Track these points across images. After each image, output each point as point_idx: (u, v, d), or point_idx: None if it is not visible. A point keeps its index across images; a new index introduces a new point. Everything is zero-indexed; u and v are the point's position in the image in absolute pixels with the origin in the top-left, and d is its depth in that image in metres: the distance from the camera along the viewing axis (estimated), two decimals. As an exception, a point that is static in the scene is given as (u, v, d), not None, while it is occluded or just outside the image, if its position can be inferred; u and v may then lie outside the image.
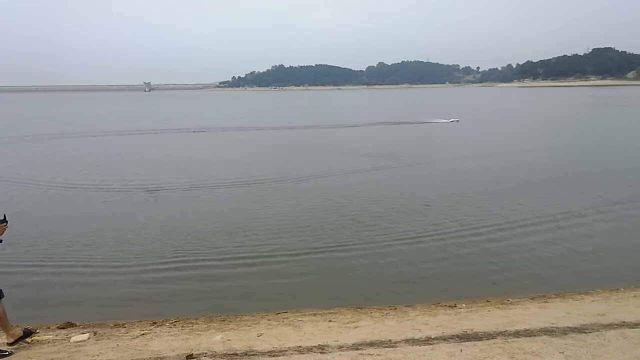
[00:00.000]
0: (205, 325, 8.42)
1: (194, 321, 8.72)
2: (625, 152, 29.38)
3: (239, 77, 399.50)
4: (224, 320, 8.66)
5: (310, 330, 7.82)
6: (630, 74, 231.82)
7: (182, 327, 8.48)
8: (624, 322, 7.49)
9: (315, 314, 8.82)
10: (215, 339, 7.50)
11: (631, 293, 9.38)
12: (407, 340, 7.05)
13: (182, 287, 10.73)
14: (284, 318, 8.61)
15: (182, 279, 11.09)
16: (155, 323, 8.78)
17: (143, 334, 8.07)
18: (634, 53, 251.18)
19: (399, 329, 7.68)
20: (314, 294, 10.17)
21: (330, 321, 8.30)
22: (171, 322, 8.78)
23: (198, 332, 8.03)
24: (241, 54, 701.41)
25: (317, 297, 9.91)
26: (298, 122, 56.56)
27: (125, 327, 8.56)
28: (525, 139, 37.66)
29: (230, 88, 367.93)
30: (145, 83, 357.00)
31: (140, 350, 7.12)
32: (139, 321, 8.95)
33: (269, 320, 8.55)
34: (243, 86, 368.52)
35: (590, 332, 7.04)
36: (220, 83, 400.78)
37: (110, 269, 11.73)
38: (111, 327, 8.56)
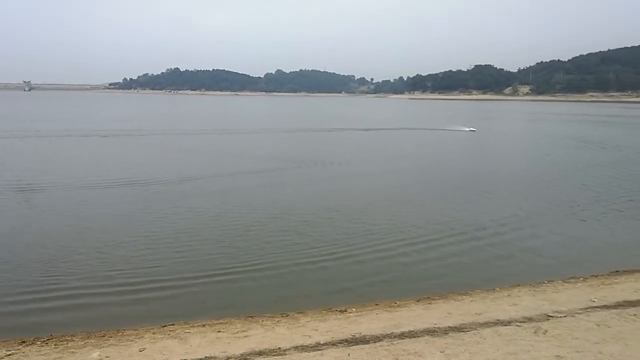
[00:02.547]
0: (82, 342, 7.78)
1: (69, 338, 8.01)
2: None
3: (130, 78, 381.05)
4: (103, 336, 8.05)
5: (197, 342, 7.50)
6: (507, 90, 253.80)
7: (56, 345, 7.78)
8: (498, 320, 8.01)
9: (204, 325, 8.49)
10: (91, 356, 6.97)
11: (505, 292, 10.08)
12: (296, 347, 7.00)
13: (54, 304, 9.73)
14: (170, 331, 8.18)
15: (53, 296, 10.02)
16: (24, 342, 7.97)
17: (9, 355, 7.31)
18: (510, 71, 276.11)
19: (289, 336, 7.61)
20: (202, 306, 9.75)
21: (219, 332, 8.03)
22: (43, 340, 8.02)
23: (73, 350, 7.41)
24: (133, 56, 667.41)
25: (206, 309, 9.53)
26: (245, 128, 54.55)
27: (-13, 349, 7.67)
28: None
29: (121, 90, 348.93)
30: (24, 82, 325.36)
31: (3, 373, 6.40)
32: (5, 340, 8.08)
33: (153, 334, 8.08)
34: (135, 88, 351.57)
35: (468, 331, 7.44)
36: (110, 84, 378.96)
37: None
38: (-30, 349, 7.63)
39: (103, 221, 15.28)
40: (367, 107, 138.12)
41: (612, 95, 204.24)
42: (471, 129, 53.27)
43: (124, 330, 8.37)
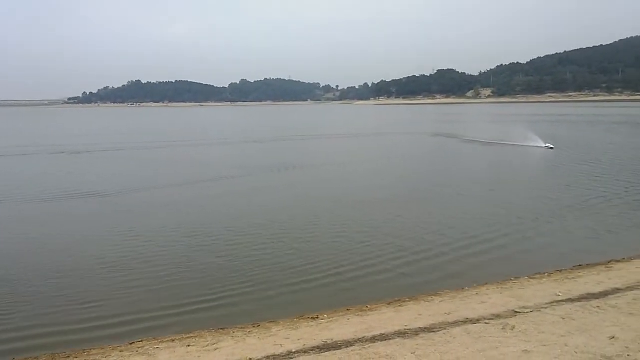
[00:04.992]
0: (46, 365, 7.53)
1: (31, 361, 7.75)
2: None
3: (90, 92, 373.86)
4: (68, 357, 7.83)
5: (166, 357, 7.35)
6: (469, 93, 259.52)
7: (17, 369, 7.51)
8: (467, 318, 8.11)
9: (173, 340, 8.31)
10: (55, 379, 6.72)
11: (474, 291, 10.21)
12: (267, 357, 6.93)
13: (14, 324, 9.38)
14: (138, 348, 7.99)
15: (14, 320, 9.59)
16: (-16, 368, 7.68)
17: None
18: (472, 74, 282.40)
19: (260, 347, 7.53)
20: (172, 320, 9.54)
21: (188, 346, 7.88)
22: (4, 365, 7.73)
23: (36, 373, 7.15)
24: (93, 69, 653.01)
25: (176, 323, 9.34)
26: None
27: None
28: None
29: (80, 104, 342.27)
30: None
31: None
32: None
33: (121, 352, 7.88)
34: (95, 102, 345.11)
35: (438, 331, 7.50)
36: (70, 99, 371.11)
37: None
38: None
39: (62, 237, 15.00)
40: (358, 115, 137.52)
41: (570, 95, 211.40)
42: (547, 144, 38.61)
43: (90, 350, 8.13)
